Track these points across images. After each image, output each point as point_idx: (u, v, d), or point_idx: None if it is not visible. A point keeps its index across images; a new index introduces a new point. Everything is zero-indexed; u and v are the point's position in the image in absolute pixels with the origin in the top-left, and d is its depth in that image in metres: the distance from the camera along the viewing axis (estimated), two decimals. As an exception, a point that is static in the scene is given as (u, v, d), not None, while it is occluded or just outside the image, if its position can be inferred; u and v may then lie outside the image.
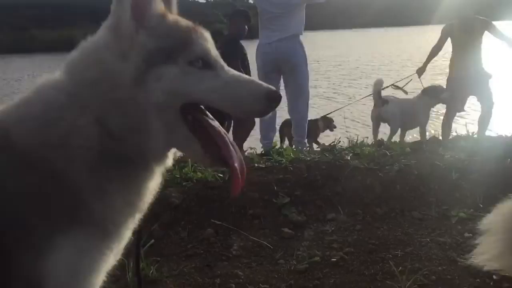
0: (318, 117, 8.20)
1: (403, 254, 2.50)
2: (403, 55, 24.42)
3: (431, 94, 7.00)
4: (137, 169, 1.15)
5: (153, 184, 1.22)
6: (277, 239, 2.71)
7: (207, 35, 1.22)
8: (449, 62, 6.83)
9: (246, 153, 4.08)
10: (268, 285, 2.29)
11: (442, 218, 2.91)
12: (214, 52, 1.21)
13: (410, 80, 7.58)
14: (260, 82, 1.20)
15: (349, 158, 3.49)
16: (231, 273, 2.38)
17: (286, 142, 6.90)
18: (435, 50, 6.86)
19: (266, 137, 5.86)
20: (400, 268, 2.34)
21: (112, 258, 1.16)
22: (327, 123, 8.06)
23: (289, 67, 5.70)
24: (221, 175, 3.13)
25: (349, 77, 18.68)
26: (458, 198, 3.06)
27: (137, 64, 1.09)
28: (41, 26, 62.07)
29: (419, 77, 7.10)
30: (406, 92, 7.50)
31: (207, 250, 2.63)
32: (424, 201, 3.07)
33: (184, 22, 1.20)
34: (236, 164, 1.17)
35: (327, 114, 8.42)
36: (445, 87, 6.92)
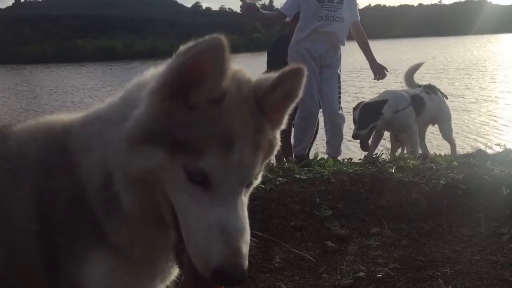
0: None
1: (452, 272, 2.40)
2: (455, 63, 23.89)
3: None
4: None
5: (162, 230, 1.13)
6: (320, 252, 2.66)
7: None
8: None
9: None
10: (312, 299, 2.25)
11: (492, 235, 2.78)
12: (229, 177, 1.00)
13: None
14: (222, 251, 0.98)
15: (393, 171, 3.40)
16: (274, 286, 2.35)
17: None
18: None
19: (298, 145, 5.61)
20: (450, 287, 2.25)
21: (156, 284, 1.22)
22: None
23: None
24: (262, 185, 3.10)
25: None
26: (509, 215, 2.92)
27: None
28: (84, 36, 64.31)
29: None
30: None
31: (248, 261, 2.60)
32: (473, 217, 2.94)
33: (235, 126, 0.99)
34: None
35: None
36: None
